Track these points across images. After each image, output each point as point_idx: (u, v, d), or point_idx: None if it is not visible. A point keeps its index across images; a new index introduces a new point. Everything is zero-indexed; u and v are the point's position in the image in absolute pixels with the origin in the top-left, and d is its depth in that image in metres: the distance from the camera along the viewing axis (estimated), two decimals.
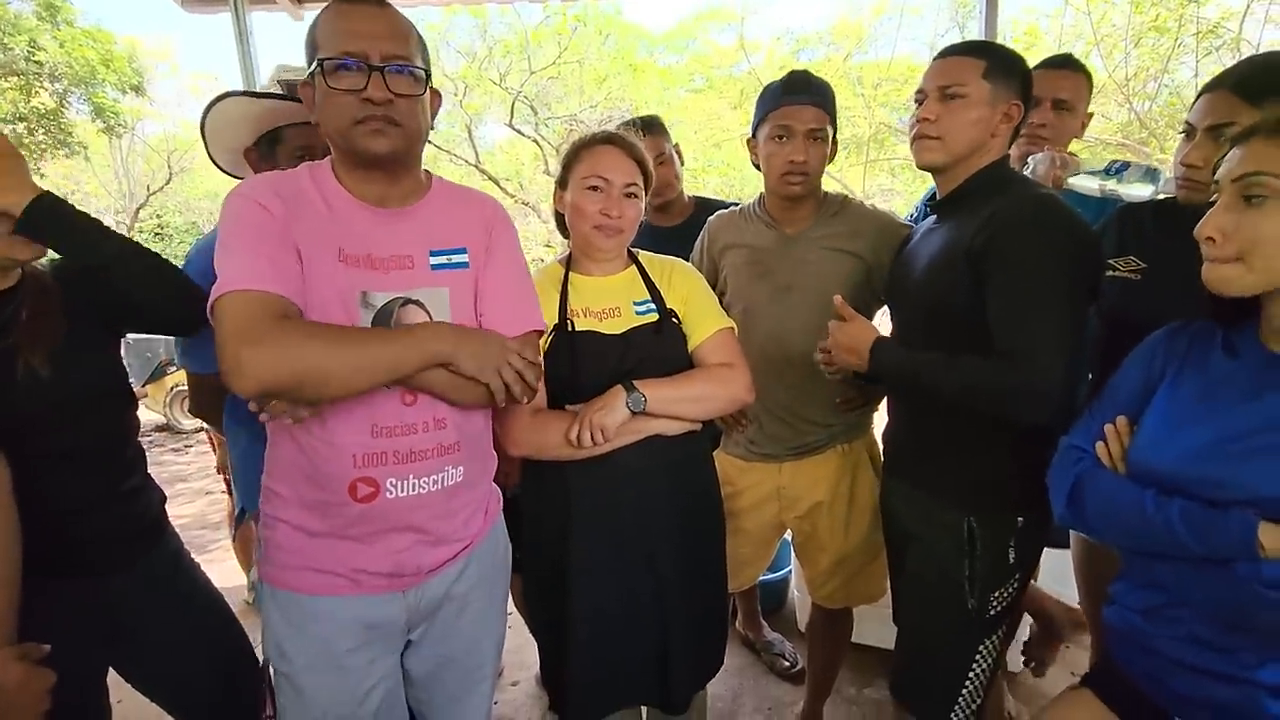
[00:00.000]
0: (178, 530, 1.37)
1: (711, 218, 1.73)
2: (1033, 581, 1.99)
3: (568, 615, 1.30)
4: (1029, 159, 1.52)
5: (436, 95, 1.07)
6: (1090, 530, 1.01)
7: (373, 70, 0.95)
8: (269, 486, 1.08)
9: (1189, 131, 1.17)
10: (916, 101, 1.29)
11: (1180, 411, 0.94)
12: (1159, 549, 0.90)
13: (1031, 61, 1.34)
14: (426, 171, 1.12)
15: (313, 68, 0.97)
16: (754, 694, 2.14)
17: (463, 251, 1.08)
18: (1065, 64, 1.70)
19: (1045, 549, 1.36)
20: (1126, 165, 1.26)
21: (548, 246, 11.62)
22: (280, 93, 1.42)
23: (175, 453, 6.66)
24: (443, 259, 1.06)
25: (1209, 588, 0.85)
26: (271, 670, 1.08)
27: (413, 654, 1.16)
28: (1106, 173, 1.29)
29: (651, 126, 2.01)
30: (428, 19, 11.40)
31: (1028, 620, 1.95)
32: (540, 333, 1.16)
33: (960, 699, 1.30)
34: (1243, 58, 1.17)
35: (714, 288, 1.66)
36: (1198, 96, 1.17)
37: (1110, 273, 1.30)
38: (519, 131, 11.97)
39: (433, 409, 1.03)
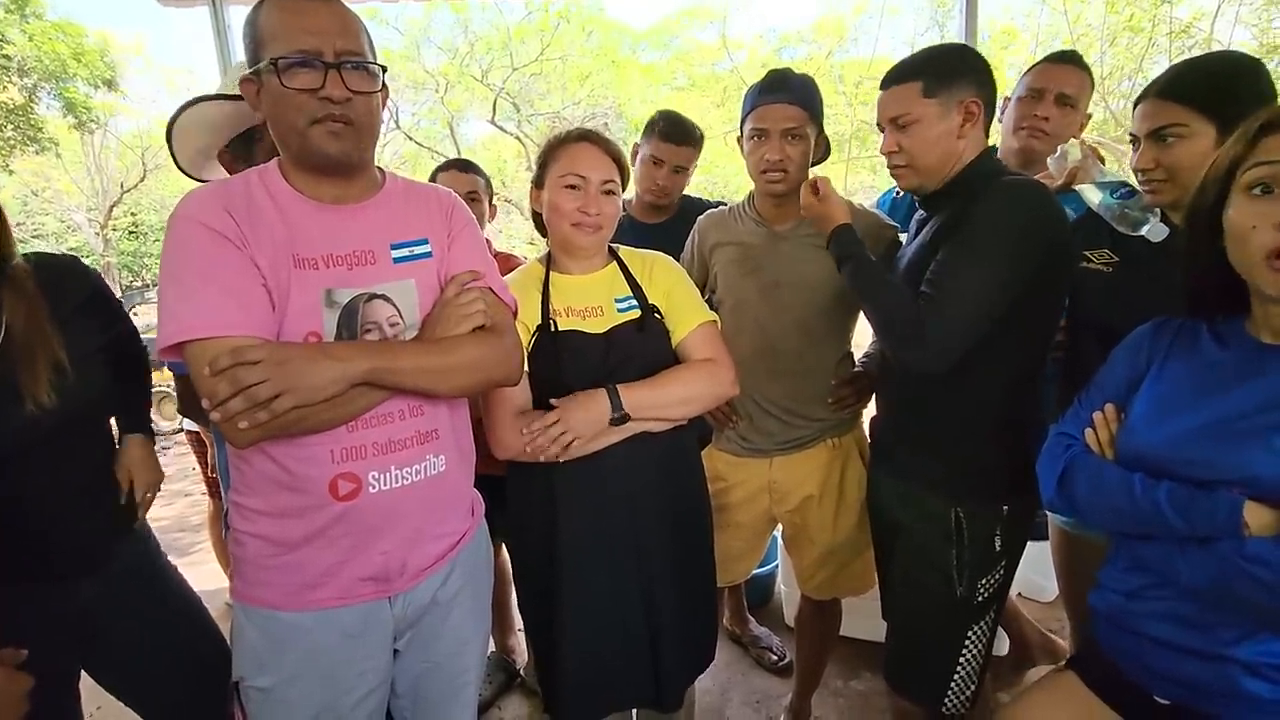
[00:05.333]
0: (155, 532, 1.35)
1: (701, 217, 1.73)
2: (1017, 604, 2.05)
3: (558, 615, 1.30)
4: (1059, 147, 1.48)
5: (385, 91, 1.04)
6: (1079, 513, 1.03)
7: (329, 68, 0.92)
8: (238, 501, 1.03)
9: (1135, 141, 1.21)
10: (880, 129, 1.32)
11: (1169, 399, 0.96)
12: (1146, 530, 0.92)
13: (1008, 59, 1.36)
14: (379, 168, 1.10)
15: (260, 65, 0.94)
16: (742, 687, 2.15)
17: (424, 242, 1.07)
18: (1070, 59, 1.70)
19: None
20: (1133, 193, 1.27)
21: (531, 244, 11.57)
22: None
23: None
24: (405, 251, 1.04)
25: (1193, 567, 0.87)
26: (243, 689, 1.04)
27: (399, 662, 1.14)
28: (1112, 193, 1.30)
29: (693, 138, 2.01)
30: (408, 14, 11.30)
31: (1004, 638, 2.01)
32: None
33: (953, 684, 1.33)
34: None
35: (705, 286, 1.67)
36: (1134, 107, 1.21)
37: (1084, 264, 1.33)
38: (501, 128, 11.91)
39: (406, 396, 1.01)
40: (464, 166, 2.00)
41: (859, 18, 11.44)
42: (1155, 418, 0.96)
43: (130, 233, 14.58)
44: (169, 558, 1.38)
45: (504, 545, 1.80)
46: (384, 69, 1.00)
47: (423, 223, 1.08)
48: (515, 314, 1.19)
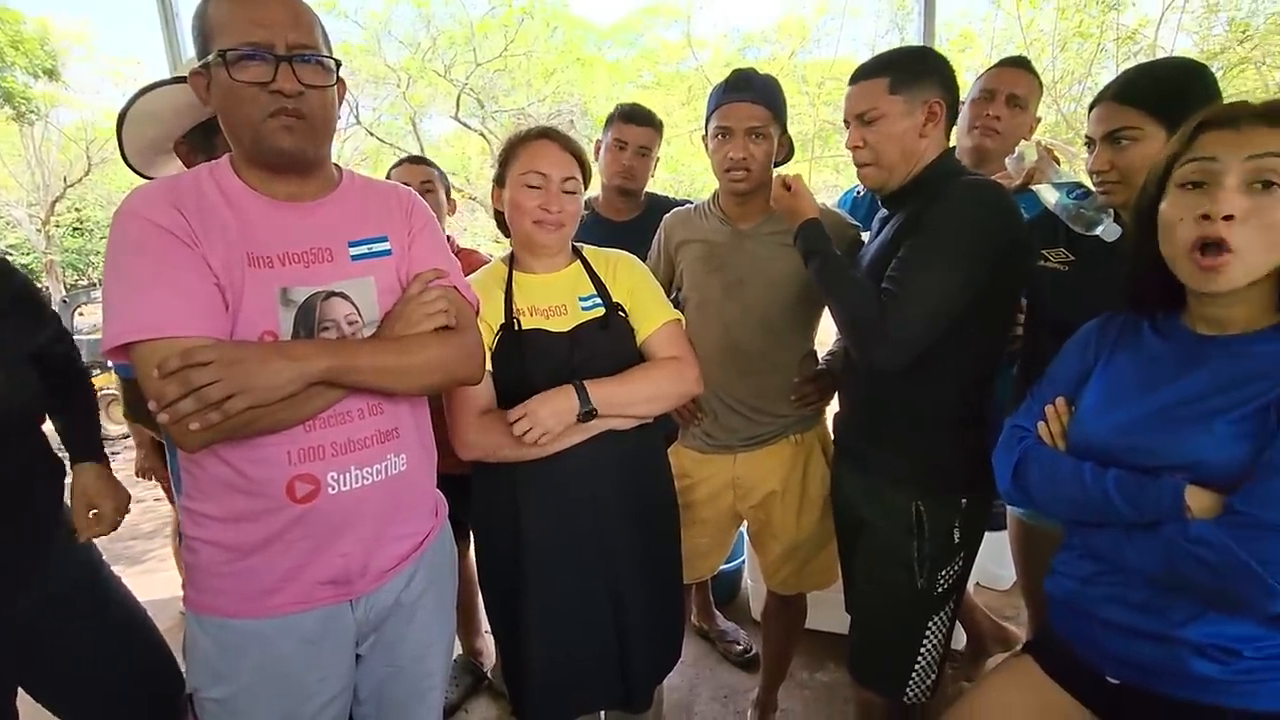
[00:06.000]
0: (103, 541, 1.30)
1: (668, 215, 1.74)
2: (973, 597, 2.11)
3: (524, 616, 1.29)
4: (1018, 147, 1.54)
5: (342, 85, 1.02)
6: (1033, 503, 1.06)
7: (280, 60, 0.90)
8: (189, 508, 1.00)
9: (1090, 143, 1.25)
10: (847, 126, 1.35)
11: (1115, 390, 1.00)
12: (1096, 518, 0.95)
13: (967, 63, 1.40)
14: (336, 165, 1.08)
15: (209, 58, 0.91)
16: (710, 683, 2.17)
17: (383, 239, 1.05)
18: (1020, 64, 1.80)
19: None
20: (1088, 194, 1.31)
21: (496, 242, 11.45)
22: None
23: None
24: (363, 248, 1.02)
25: (1141, 552, 0.90)
26: (198, 701, 1.01)
27: (361, 668, 1.11)
28: (1068, 193, 1.34)
29: (653, 120, 2.03)
30: (368, 7, 11.08)
31: (961, 635, 2.07)
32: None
33: (915, 673, 1.36)
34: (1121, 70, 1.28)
35: (671, 283, 1.68)
36: (1089, 110, 1.26)
37: (1041, 262, 1.37)
38: (465, 125, 11.76)
39: (365, 394, 0.99)
40: (415, 161, 1.99)
41: (821, 19, 11.60)
42: (1102, 408, 1.00)
43: (75, 229, 13.98)
44: (119, 567, 1.33)
45: (470, 546, 1.78)
46: (338, 63, 0.98)
47: (382, 220, 1.06)
48: (478, 312, 1.17)
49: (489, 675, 2.18)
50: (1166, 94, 1.15)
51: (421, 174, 1.92)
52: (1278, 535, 0.78)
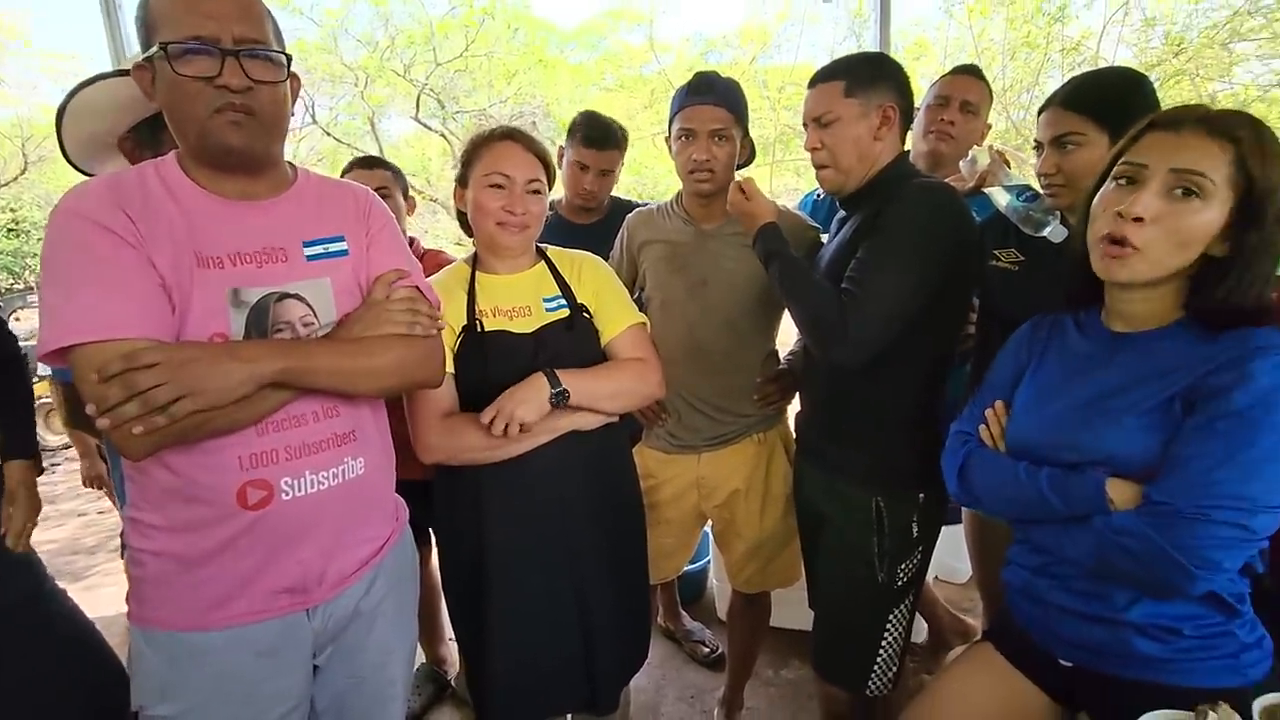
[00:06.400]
0: (44, 557, 1.24)
1: (630, 215, 1.74)
2: (933, 590, 2.16)
3: (487, 621, 1.27)
4: (971, 151, 1.59)
5: (296, 80, 0.99)
6: (979, 504, 1.10)
7: (226, 55, 0.87)
8: (134, 517, 0.96)
9: (1039, 147, 1.30)
10: (805, 129, 1.38)
11: (1043, 389, 1.05)
12: (1035, 515, 0.99)
13: (922, 70, 1.44)
14: (290, 163, 1.05)
15: (152, 51, 0.88)
16: (676, 683, 2.17)
17: (340, 239, 1.02)
18: (972, 72, 1.86)
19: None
20: (1035, 197, 1.35)
21: (458, 244, 11.31)
22: None
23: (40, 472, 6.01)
24: (319, 249, 1.00)
25: (1076, 544, 0.94)
26: (143, 719, 0.97)
27: (319, 679, 1.08)
28: (1017, 196, 1.39)
29: (615, 139, 1.98)
30: (324, 4, 10.84)
31: (922, 627, 2.11)
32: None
33: (877, 666, 1.38)
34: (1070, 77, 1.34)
35: (634, 284, 1.68)
36: (1038, 115, 1.31)
37: (993, 262, 1.42)
38: (426, 125, 11.58)
39: (321, 396, 0.97)
40: (369, 163, 1.92)
41: (782, 25, 11.76)
42: (1033, 407, 1.04)
43: (9, 231, 13.32)
44: (60, 583, 1.27)
45: (432, 551, 1.75)
46: (290, 58, 0.95)
47: (338, 220, 1.04)
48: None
49: (452, 683, 2.15)
50: (1110, 102, 1.21)
51: (376, 179, 1.84)
52: (1190, 521, 0.83)
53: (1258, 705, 0.82)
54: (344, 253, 1.02)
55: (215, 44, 0.87)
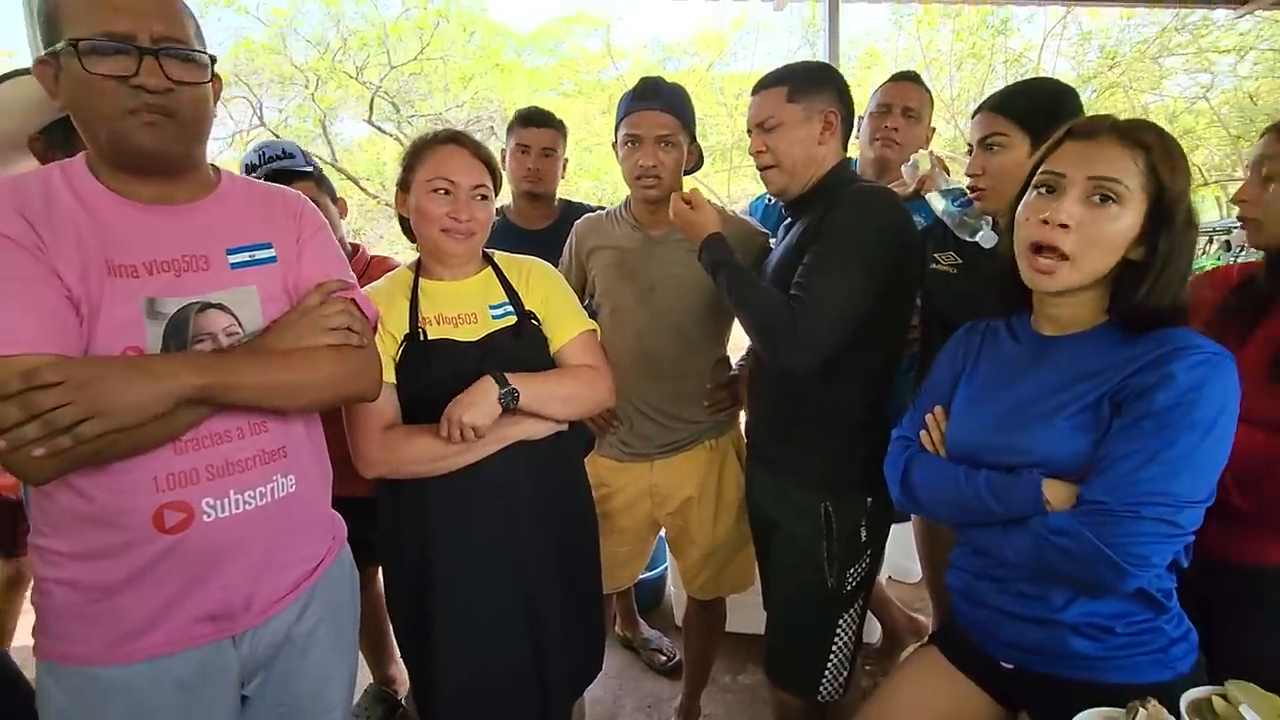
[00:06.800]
0: None
1: (579, 221, 1.72)
2: (886, 589, 2.19)
3: (435, 637, 1.23)
4: (912, 157, 1.65)
5: (218, 81, 0.95)
6: (921, 509, 1.11)
7: (144, 53, 0.83)
8: (39, 545, 0.90)
9: (970, 149, 1.35)
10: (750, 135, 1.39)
11: (978, 393, 1.07)
12: (975, 518, 1.01)
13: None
14: (214, 166, 1.01)
15: (59, 46, 0.83)
16: (634, 694, 2.15)
17: (267, 246, 0.98)
18: (911, 78, 1.91)
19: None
20: (970, 203, 1.40)
21: (415, 249, 11.10)
22: None
23: None
24: (244, 256, 0.96)
25: (1014, 546, 0.96)
26: None
27: (248, 710, 1.02)
28: (953, 201, 1.43)
29: (551, 121, 2.01)
30: (272, 3, 10.56)
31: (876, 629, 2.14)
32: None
33: (827, 672, 1.38)
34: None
35: (584, 290, 1.66)
36: (972, 117, 1.35)
37: (934, 265, 1.45)
38: (380, 129, 11.36)
39: (248, 411, 0.92)
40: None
41: (737, 32, 11.92)
42: (969, 411, 1.06)
43: None
44: None
45: (377, 570, 1.69)
46: (214, 59, 0.91)
47: (266, 226, 0.99)
48: (375, 327, 1.12)
49: (403, 703, 2.08)
50: (1035, 107, 1.26)
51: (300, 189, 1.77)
52: (1121, 519, 0.85)
53: (1184, 700, 0.84)
54: (271, 260, 0.98)
55: (131, 41, 0.82)
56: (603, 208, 1.93)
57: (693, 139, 1.58)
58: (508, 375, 1.20)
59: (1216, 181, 10.38)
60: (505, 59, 12.46)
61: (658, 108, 1.49)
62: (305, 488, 1.01)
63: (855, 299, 1.21)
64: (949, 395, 1.11)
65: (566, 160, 2.10)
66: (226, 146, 10.15)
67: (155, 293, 0.87)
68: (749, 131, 1.39)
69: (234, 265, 0.94)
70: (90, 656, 0.89)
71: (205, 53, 0.90)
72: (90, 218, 0.86)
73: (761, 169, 1.38)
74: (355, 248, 1.76)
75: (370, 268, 1.71)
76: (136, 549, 0.87)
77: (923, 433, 1.11)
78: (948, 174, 1.59)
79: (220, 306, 0.92)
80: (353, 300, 1.03)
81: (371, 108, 10.90)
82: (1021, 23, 9.80)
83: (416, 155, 1.27)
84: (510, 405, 1.18)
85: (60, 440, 0.74)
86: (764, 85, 1.36)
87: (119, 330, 0.85)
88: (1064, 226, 0.91)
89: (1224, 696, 0.85)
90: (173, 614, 0.90)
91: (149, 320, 0.87)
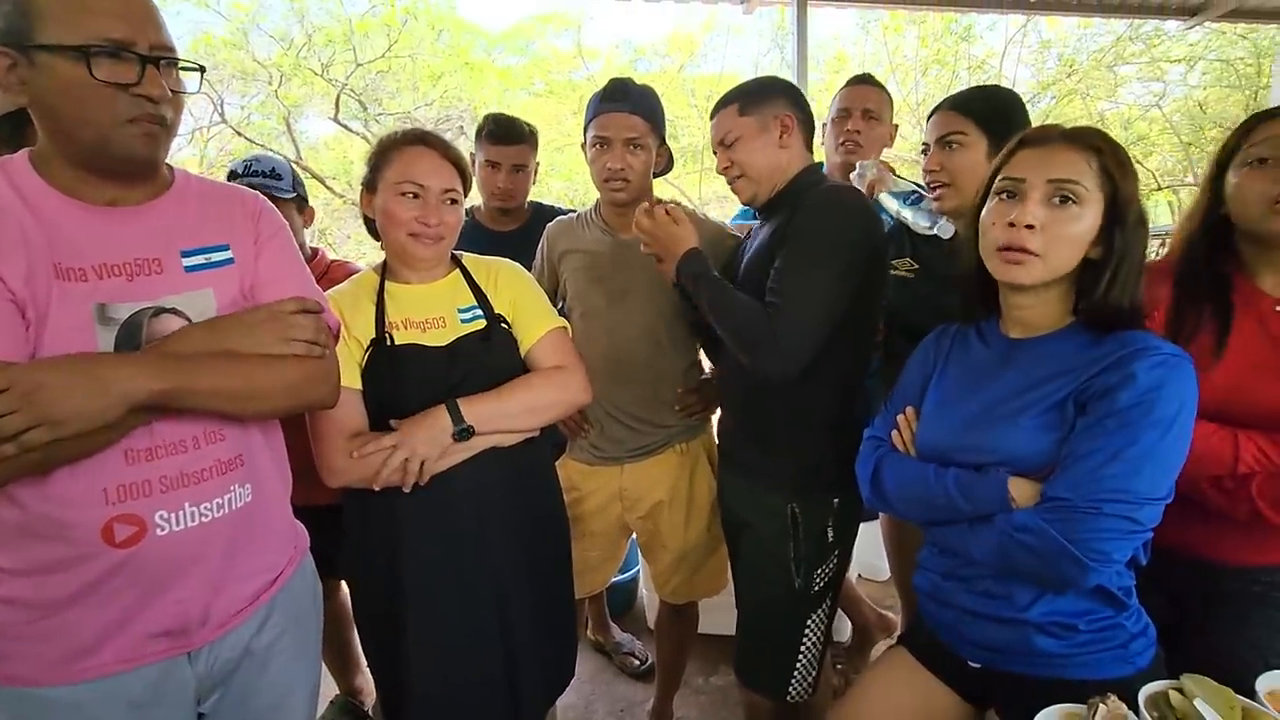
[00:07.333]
0: None
1: (550, 224, 1.71)
2: (856, 587, 2.22)
3: (404, 646, 1.21)
4: (858, 165, 1.70)
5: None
6: (891, 509, 1.13)
7: (146, 62, 0.81)
8: None
9: (926, 148, 1.39)
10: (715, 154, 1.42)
11: (948, 394, 1.09)
12: (943, 516, 1.02)
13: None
14: (168, 165, 0.98)
15: (38, 42, 0.79)
16: (606, 698, 2.14)
17: (224, 249, 0.95)
18: (867, 80, 1.95)
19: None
20: (921, 199, 1.43)
21: (381, 249, 10.92)
22: None
23: None
24: (199, 259, 0.93)
25: (980, 544, 0.97)
26: None
27: None
28: (904, 200, 1.46)
29: (522, 135, 1.96)
30: None
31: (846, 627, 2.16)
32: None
33: (796, 672, 1.39)
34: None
35: (556, 293, 1.65)
36: (928, 118, 1.40)
37: (892, 271, 1.47)
38: (346, 127, 11.15)
39: (203, 419, 0.89)
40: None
41: (708, 35, 11.97)
42: (939, 412, 1.08)
43: None
44: None
45: (343, 581, 1.66)
46: (203, 69, 0.90)
47: (222, 227, 0.96)
48: (337, 334, 1.09)
49: (370, 713, 2.04)
50: (994, 111, 1.31)
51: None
52: (1083, 515, 0.87)
53: (1143, 695, 0.86)
54: (229, 262, 0.95)
55: (130, 48, 0.81)
56: (573, 210, 1.92)
57: (662, 141, 1.58)
58: (466, 401, 1.17)
59: (1169, 186, 10.75)
60: (475, 58, 12.34)
61: (626, 110, 1.48)
62: (264, 497, 0.98)
63: (830, 301, 1.22)
64: (920, 396, 1.13)
65: (538, 164, 2.07)
66: (186, 144, 9.88)
67: (106, 298, 0.84)
68: (714, 152, 1.42)
69: (189, 268, 0.91)
70: (34, 677, 0.85)
71: (196, 65, 0.89)
72: (36, 219, 0.83)
73: (730, 181, 1.41)
74: (315, 251, 1.72)
75: (330, 271, 1.68)
76: (85, 563, 0.83)
77: (894, 433, 1.13)
78: (894, 175, 1.65)
79: (175, 311, 0.89)
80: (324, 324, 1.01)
81: (338, 105, 10.69)
82: (984, 30, 10.03)
83: (383, 155, 1.24)
84: (463, 440, 1.17)
85: (4, 448, 0.71)
86: (719, 107, 1.40)
87: (68, 336, 0.81)
88: (1030, 227, 0.93)
89: (1180, 690, 0.87)
90: (124, 631, 0.87)
91: (100, 326, 0.83)
